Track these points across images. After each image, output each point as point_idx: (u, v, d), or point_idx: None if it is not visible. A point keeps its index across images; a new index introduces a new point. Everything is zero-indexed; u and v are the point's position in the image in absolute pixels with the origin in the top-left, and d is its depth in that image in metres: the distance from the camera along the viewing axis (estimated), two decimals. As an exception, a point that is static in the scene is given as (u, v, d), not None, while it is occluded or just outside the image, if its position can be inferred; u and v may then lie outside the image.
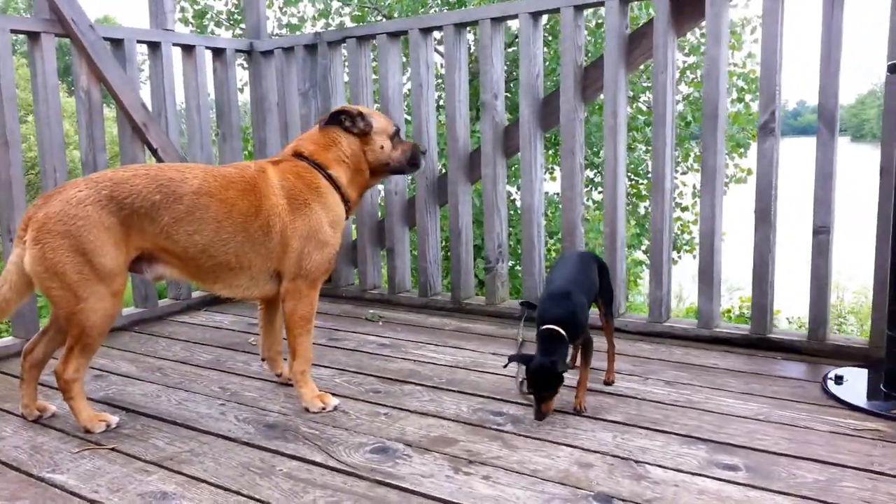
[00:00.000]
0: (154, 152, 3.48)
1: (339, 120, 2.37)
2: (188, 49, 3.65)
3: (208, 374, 2.71)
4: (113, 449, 2.06)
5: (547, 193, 8.16)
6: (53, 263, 2.04)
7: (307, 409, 2.31)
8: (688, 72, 9.13)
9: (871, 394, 2.34)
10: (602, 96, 3.07)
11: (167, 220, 2.15)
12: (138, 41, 3.43)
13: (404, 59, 5.27)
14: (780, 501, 1.68)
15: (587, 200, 9.37)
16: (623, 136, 3.01)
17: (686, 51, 8.89)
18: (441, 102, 7.52)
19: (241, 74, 6.43)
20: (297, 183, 2.29)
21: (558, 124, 3.15)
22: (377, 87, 3.61)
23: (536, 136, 3.23)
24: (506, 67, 7.80)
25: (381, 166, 2.46)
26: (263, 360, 2.63)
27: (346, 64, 3.70)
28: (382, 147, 2.43)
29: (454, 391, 2.45)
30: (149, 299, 3.52)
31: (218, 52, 3.83)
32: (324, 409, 2.30)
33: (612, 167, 3.01)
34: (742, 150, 9.02)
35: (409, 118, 3.67)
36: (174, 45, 3.56)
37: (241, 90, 6.22)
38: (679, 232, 9.49)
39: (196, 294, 3.77)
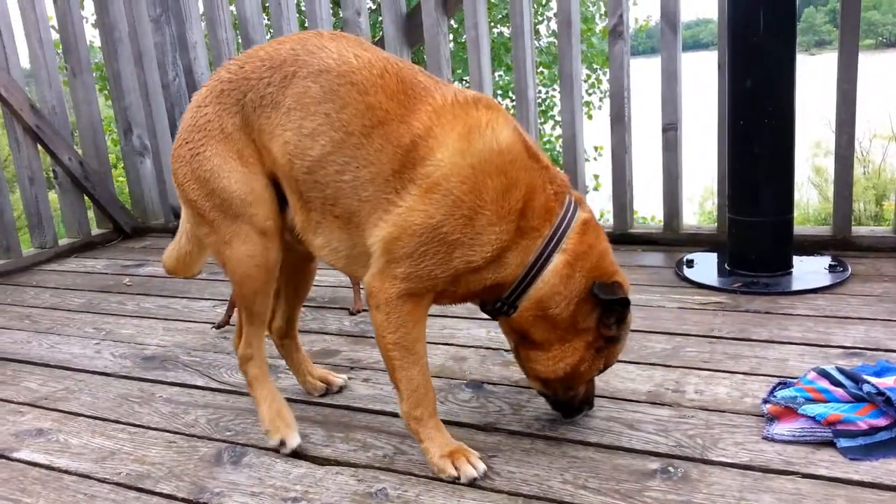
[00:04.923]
0: (-5, 92, 3.23)
1: (604, 307, 1.45)
2: (21, -23, 3.36)
3: (81, 316, 2.63)
4: (-19, 397, 2.00)
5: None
6: (191, 203, 1.54)
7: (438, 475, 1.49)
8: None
9: (718, 272, 2.58)
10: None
11: (283, 110, 1.45)
12: (-40, -31, 3.13)
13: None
14: (630, 369, 1.86)
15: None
16: (486, 47, 3.05)
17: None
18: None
19: (89, 6, 5.99)
20: (495, 182, 1.36)
21: (423, 40, 3.16)
22: (235, 8, 3.47)
23: (403, 53, 3.21)
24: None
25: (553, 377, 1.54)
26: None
27: (200, -14, 3.53)
28: (581, 363, 1.49)
29: (337, 308, 2.50)
30: (11, 249, 3.32)
31: (56, -20, 3.55)
32: (457, 478, 1.45)
33: (478, 79, 3.06)
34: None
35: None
36: (4, -28, 3.27)
37: (95, 26, 5.78)
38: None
39: (64, 241, 3.60)
